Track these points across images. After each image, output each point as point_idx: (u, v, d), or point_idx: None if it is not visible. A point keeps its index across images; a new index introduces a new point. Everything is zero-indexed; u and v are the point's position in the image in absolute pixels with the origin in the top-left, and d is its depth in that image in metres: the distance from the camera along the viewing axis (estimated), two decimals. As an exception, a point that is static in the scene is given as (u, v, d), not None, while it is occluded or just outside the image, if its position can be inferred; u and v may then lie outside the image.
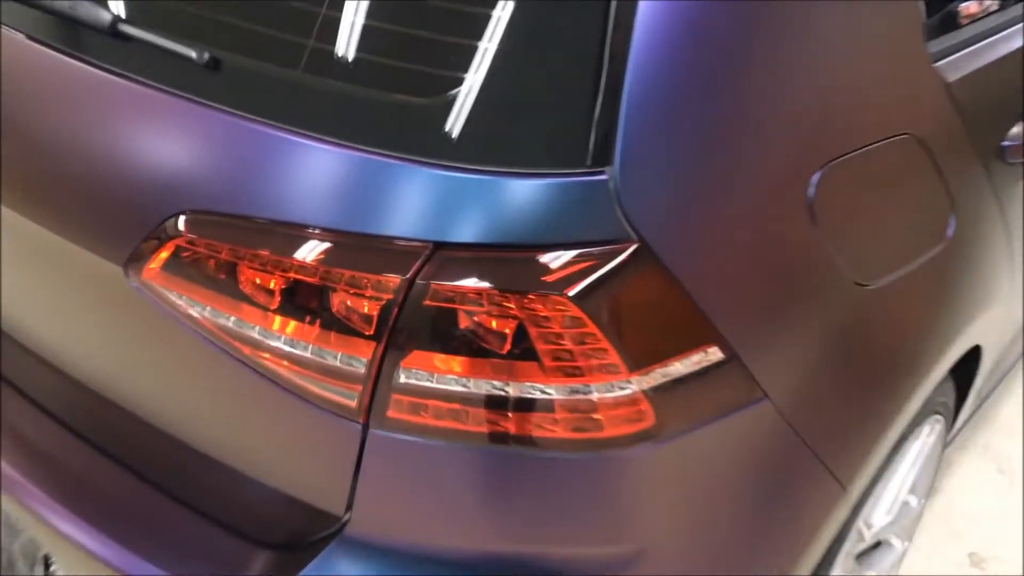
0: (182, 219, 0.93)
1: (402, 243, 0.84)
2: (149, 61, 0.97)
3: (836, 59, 0.99)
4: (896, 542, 1.69)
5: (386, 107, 0.88)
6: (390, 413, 0.90)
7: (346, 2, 0.90)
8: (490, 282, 0.83)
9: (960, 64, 1.22)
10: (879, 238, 1.12)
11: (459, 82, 0.85)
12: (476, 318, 0.84)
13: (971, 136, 1.24)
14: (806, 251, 1.00)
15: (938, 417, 1.55)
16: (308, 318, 0.89)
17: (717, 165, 0.89)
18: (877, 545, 1.64)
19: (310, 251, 0.87)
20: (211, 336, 0.95)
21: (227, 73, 0.95)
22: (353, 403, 0.90)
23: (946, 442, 1.71)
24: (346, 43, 0.90)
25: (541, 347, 0.85)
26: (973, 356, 1.52)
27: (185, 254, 0.94)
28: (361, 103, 0.89)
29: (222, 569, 1.03)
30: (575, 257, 0.83)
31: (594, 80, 0.83)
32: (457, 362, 0.86)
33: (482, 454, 0.90)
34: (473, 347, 0.85)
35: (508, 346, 0.84)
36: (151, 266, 0.96)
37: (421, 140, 0.85)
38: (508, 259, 0.84)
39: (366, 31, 0.90)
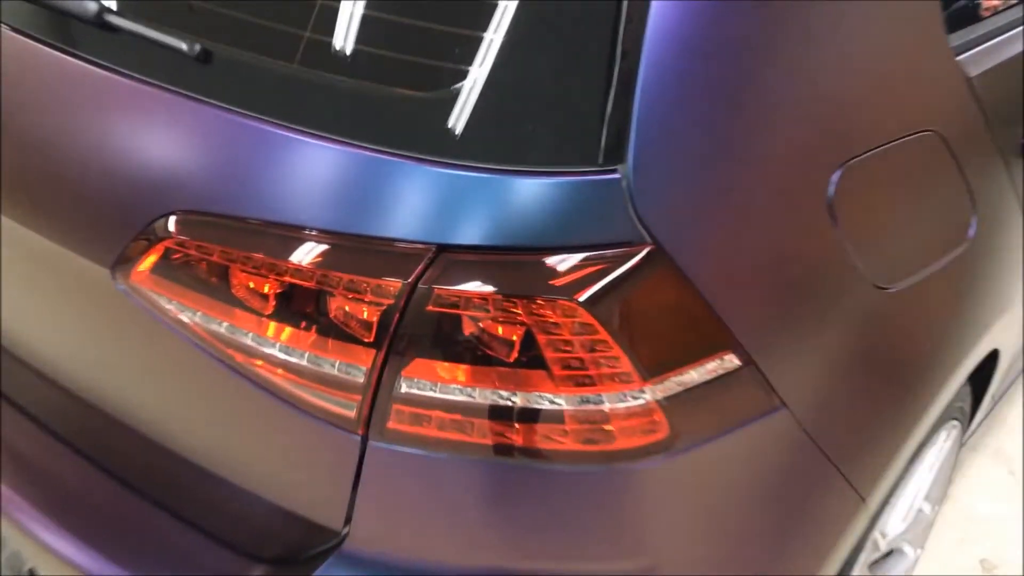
0: (172, 220, 0.91)
1: (403, 245, 0.82)
2: (137, 53, 0.95)
3: (856, 53, 0.97)
4: (909, 550, 1.68)
5: (387, 102, 0.86)
6: (391, 424, 0.88)
7: (344, -9, 0.88)
8: (496, 286, 0.81)
9: (982, 58, 1.20)
10: (900, 239, 1.09)
11: (464, 75, 0.83)
12: (481, 324, 0.82)
13: (992, 133, 1.22)
14: (825, 253, 0.98)
15: (955, 422, 1.53)
16: (304, 324, 0.87)
17: (733, 164, 0.87)
18: (889, 553, 1.62)
19: (306, 253, 0.85)
20: (202, 343, 0.92)
21: (219, 66, 0.92)
22: (352, 413, 0.88)
23: (960, 446, 1.69)
24: (344, 34, 0.88)
25: (550, 355, 0.82)
26: (990, 359, 1.50)
27: (175, 256, 0.92)
28: (360, 98, 0.87)
29: (215, 584, 1.01)
30: (586, 260, 0.81)
31: (606, 74, 0.81)
32: (461, 371, 0.84)
33: (487, 467, 0.88)
34: (478, 355, 0.83)
35: (515, 354, 0.82)
36: (139, 269, 0.94)
37: (424, 137, 0.83)
38: (515, 262, 0.82)
39: (365, 21, 0.88)
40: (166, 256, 0.92)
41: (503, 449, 0.86)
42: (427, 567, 0.96)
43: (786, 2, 0.87)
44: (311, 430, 0.91)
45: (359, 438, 0.89)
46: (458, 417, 0.85)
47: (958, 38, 1.16)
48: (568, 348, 0.82)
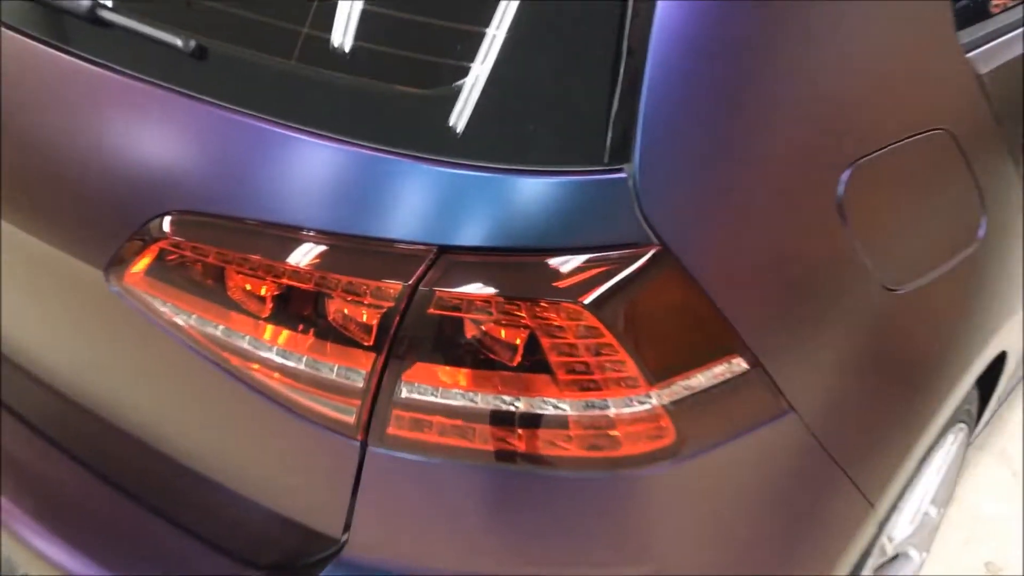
0: (167, 220, 0.90)
1: (404, 246, 0.81)
2: (131, 49, 0.94)
3: (864, 51, 0.96)
4: (914, 553, 1.67)
5: (387, 99, 0.85)
6: (391, 430, 0.86)
7: (343, -15, 0.87)
8: (499, 288, 0.79)
9: (992, 55, 1.18)
10: (910, 239, 1.08)
11: (465, 72, 0.82)
12: (484, 327, 0.81)
13: (1002, 131, 1.21)
14: (835, 253, 0.96)
15: (962, 425, 1.52)
16: (302, 327, 0.86)
17: (741, 163, 0.86)
18: (895, 557, 1.60)
19: (304, 255, 0.84)
20: (198, 346, 0.91)
21: (215, 62, 0.91)
22: (351, 419, 0.87)
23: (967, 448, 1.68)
24: (343, 30, 0.87)
25: (554, 359, 0.81)
26: (997, 360, 1.48)
27: (170, 258, 0.91)
28: (359, 95, 0.85)
29: (210, 592, 1.00)
30: (591, 261, 0.80)
31: (612, 71, 0.80)
32: (463, 375, 0.83)
33: (489, 473, 0.87)
34: (480, 359, 0.82)
35: (518, 358, 0.81)
36: (133, 270, 0.93)
37: (424, 135, 0.82)
38: (518, 264, 0.80)
39: (365, 17, 0.87)
40: (161, 257, 0.91)
41: (505, 455, 0.85)
42: (427, 575, 0.95)
43: (792, 1, 0.86)
44: (309, 435, 0.89)
45: (358, 444, 0.88)
46: (460, 422, 0.84)
47: (967, 35, 1.14)
48: (573, 352, 0.81)
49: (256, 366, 0.89)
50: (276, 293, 0.86)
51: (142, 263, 0.92)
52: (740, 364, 0.89)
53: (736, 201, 0.87)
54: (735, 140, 0.85)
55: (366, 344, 0.83)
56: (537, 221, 0.80)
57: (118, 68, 0.93)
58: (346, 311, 0.83)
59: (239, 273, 0.87)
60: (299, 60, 0.88)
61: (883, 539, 1.33)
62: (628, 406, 0.84)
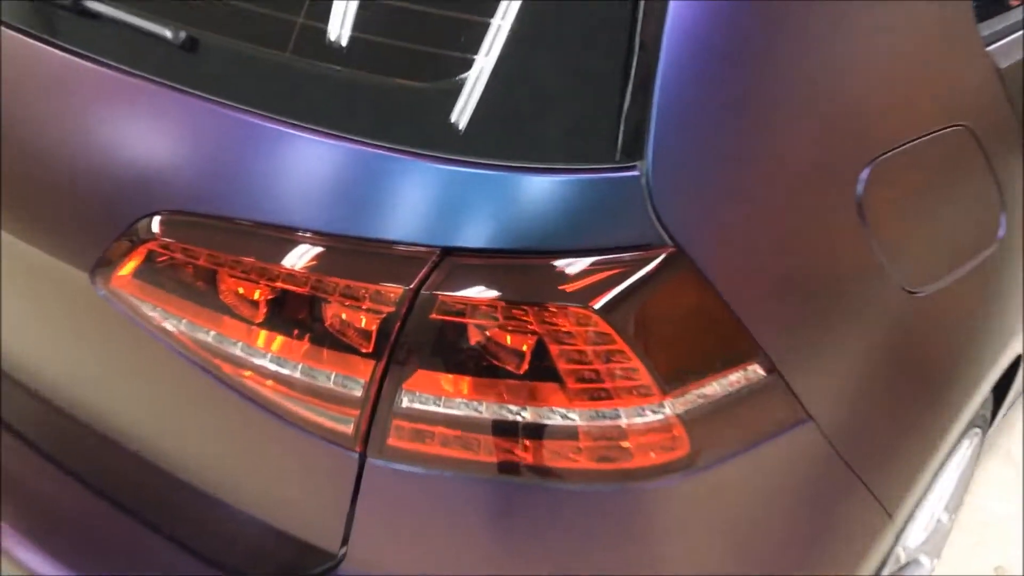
0: (156, 220, 0.89)
1: (405, 248, 0.79)
2: (119, 41, 0.93)
3: (884, 44, 0.95)
4: (925, 560, 1.67)
5: (387, 93, 0.83)
6: (391, 441, 0.85)
7: (340, -26, 0.86)
8: (505, 292, 0.78)
9: (1013, 48, 1.18)
10: (930, 240, 1.07)
11: (469, 64, 0.80)
12: (489, 333, 0.79)
13: (1022, 127, 1.20)
14: (855, 255, 0.95)
15: (977, 430, 1.53)
16: (297, 333, 0.84)
17: (758, 160, 0.84)
18: (905, 564, 1.58)
19: (300, 257, 0.82)
20: (188, 352, 0.90)
21: (206, 55, 0.90)
22: (349, 429, 0.85)
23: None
24: (340, 20, 0.86)
25: (563, 366, 0.79)
26: (1013, 364, 1.47)
27: (159, 260, 0.89)
28: (358, 88, 0.84)
29: (203, 607, 0.99)
30: (601, 264, 0.78)
31: (624, 65, 0.78)
32: (467, 383, 0.81)
33: (494, 487, 0.85)
34: (485, 366, 0.80)
35: (525, 365, 0.79)
36: (121, 273, 0.92)
37: (426, 131, 0.80)
38: (525, 266, 0.79)
39: (363, 7, 0.85)
40: (149, 259, 0.90)
41: (511, 468, 0.83)
42: (429, 591, 0.94)
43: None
44: (305, 446, 0.88)
45: (357, 455, 0.86)
46: (463, 433, 0.83)
47: (988, 28, 1.13)
48: (582, 359, 0.79)
49: (249, 374, 0.87)
50: (270, 297, 0.84)
51: (130, 265, 0.91)
52: (756, 371, 0.87)
53: (752, 201, 0.85)
54: (751, 137, 0.83)
55: (365, 351, 0.81)
56: (545, 221, 0.78)
57: (104, 61, 0.92)
58: (344, 316, 0.82)
59: (231, 276, 0.85)
60: (294, 52, 0.87)
61: (898, 548, 1.31)
62: (640, 416, 0.82)
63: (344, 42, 0.85)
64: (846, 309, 0.96)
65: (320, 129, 0.82)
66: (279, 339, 0.85)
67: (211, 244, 0.86)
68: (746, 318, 0.84)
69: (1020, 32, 1.19)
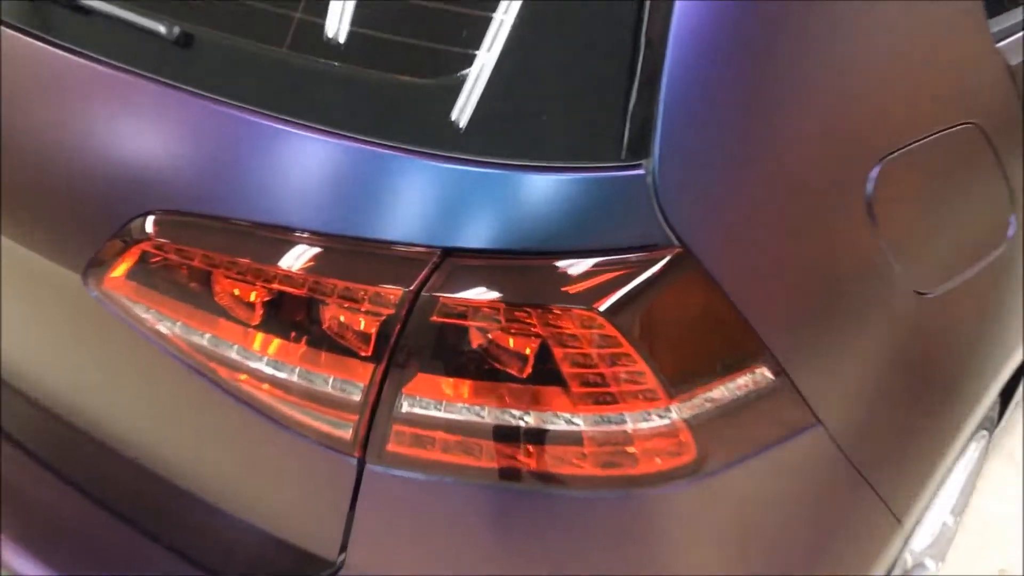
0: (150, 220, 0.88)
1: (405, 249, 0.79)
2: (111, 37, 0.92)
3: (894, 40, 0.94)
4: (930, 563, 1.66)
5: (386, 89, 0.82)
6: (390, 447, 0.84)
7: (338, -32, 0.85)
8: (507, 294, 0.77)
9: (1022, 44, 1.17)
10: (940, 239, 1.06)
11: (471, 60, 0.79)
12: (491, 336, 0.78)
13: None
14: (864, 255, 0.94)
15: (984, 433, 1.52)
16: (295, 336, 0.83)
17: (766, 160, 0.83)
18: (911, 568, 1.58)
19: (297, 258, 0.81)
20: (182, 355, 0.89)
21: (201, 51, 0.89)
22: (347, 435, 0.84)
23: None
24: (339, 15, 0.84)
25: (567, 370, 0.78)
26: (1021, 365, 1.47)
27: (153, 260, 0.88)
28: (357, 85, 0.83)
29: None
30: (606, 264, 0.77)
31: (630, 62, 0.77)
32: (469, 387, 0.80)
33: (496, 493, 0.84)
34: (487, 370, 0.79)
35: (528, 369, 0.78)
36: (113, 274, 0.91)
37: (427, 128, 0.79)
38: (528, 267, 0.77)
39: (362, 1, 0.84)
40: (143, 260, 0.89)
41: (514, 474, 0.82)
42: (429, 600, 0.93)
43: None
44: (303, 452, 0.87)
45: (355, 461, 0.85)
46: (464, 438, 0.82)
47: (998, 23, 1.13)
48: (587, 362, 0.78)
49: (245, 377, 0.87)
50: (267, 299, 0.83)
51: (123, 266, 0.90)
52: (764, 374, 0.86)
53: (760, 200, 0.83)
54: (758, 136, 0.82)
55: (364, 354, 0.81)
56: (548, 221, 0.77)
57: (96, 57, 0.91)
58: (342, 319, 0.81)
59: (227, 277, 0.84)
60: (291, 48, 0.86)
61: (905, 553, 1.30)
62: (646, 420, 0.80)
63: (342, 37, 0.84)
64: (856, 311, 0.94)
65: (318, 126, 0.81)
66: (276, 342, 0.84)
67: (206, 244, 0.85)
68: (754, 320, 0.83)
69: (1030, 29, 1.18)
